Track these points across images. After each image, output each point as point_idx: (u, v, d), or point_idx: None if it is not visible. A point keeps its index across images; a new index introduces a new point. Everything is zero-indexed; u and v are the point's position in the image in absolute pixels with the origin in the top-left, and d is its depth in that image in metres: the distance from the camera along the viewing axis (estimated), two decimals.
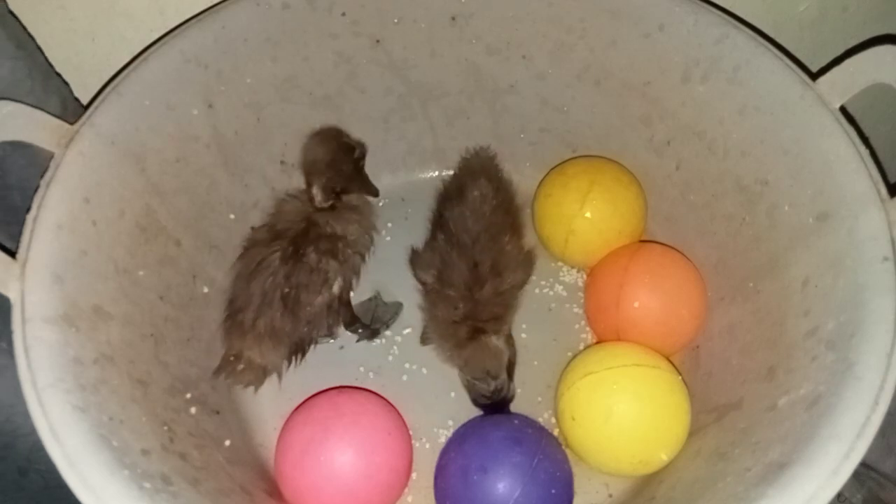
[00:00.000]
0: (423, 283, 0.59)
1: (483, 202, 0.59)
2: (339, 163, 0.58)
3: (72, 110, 0.56)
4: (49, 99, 0.54)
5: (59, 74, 0.57)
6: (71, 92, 0.58)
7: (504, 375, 0.55)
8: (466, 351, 0.55)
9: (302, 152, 0.58)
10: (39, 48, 0.56)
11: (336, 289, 0.58)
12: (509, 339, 0.58)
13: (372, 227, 0.60)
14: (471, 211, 0.58)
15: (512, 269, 0.57)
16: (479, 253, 0.56)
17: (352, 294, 0.61)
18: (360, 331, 0.63)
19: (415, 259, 0.61)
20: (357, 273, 0.60)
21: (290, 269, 0.55)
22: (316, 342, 0.61)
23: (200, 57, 0.55)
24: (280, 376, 0.58)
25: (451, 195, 0.61)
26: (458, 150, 0.67)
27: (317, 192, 0.57)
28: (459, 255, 0.57)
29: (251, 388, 0.59)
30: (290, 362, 0.58)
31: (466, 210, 0.58)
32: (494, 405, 0.56)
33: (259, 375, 0.57)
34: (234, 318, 0.56)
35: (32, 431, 0.53)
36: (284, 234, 0.56)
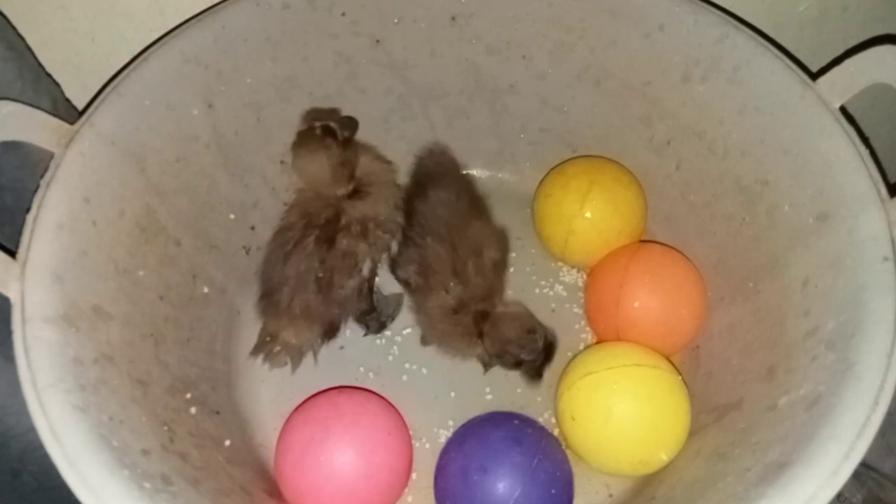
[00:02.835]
0: (407, 283, 0.60)
1: (447, 192, 0.60)
2: (336, 162, 0.57)
3: (63, 111, 0.56)
4: (40, 100, 0.54)
5: (49, 75, 0.57)
6: (62, 93, 0.58)
7: (537, 323, 0.57)
8: (489, 337, 0.56)
9: (296, 171, 0.57)
10: (30, 49, 0.56)
11: (366, 271, 0.58)
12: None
13: (398, 196, 0.60)
14: (437, 202, 0.59)
15: (488, 246, 0.58)
16: (454, 236, 0.57)
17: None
18: (370, 324, 0.63)
19: (393, 263, 0.61)
20: (388, 250, 0.60)
21: (324, 253, 0.55)
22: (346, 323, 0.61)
23: (200, 57, 0.55)
24: (315, 356, 0.59)
25: (411, 197, 0.61)
26: (459, 150, 0.67)
27: (334, 194, 0.57)
28: (436, 241, 0.57)
29: (251, 388, 0.60)
30: (322, 342, 0.59)
31: (433, 202, 0.59)
32: (545, 355, 0.57)
33: (295, 356, 0.58)
34: (270, 298, 0.57)
35: (25, 432, 0.54)
36: (317, 219, 0.56)
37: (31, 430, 0.53)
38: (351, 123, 0.58)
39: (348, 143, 0.57)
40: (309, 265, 0.55)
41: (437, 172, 0.62)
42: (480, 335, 0.56)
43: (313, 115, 0.59)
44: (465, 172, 0.64)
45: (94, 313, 0.46)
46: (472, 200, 0.61)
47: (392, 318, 0.64)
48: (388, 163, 0.61)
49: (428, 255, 0.57)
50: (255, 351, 0.58)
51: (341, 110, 0.63)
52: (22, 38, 0.55)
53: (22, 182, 0.54)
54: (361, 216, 0.57)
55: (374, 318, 0.62)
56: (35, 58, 0.56)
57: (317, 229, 0.56)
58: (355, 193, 0.57)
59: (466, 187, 0.62)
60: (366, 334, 0.63)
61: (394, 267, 0.61)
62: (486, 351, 0.57)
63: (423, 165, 0.64)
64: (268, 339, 0.57)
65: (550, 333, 0.57)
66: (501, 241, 0.60)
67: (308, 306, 0.56)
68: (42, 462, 0.55)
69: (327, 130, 0.56)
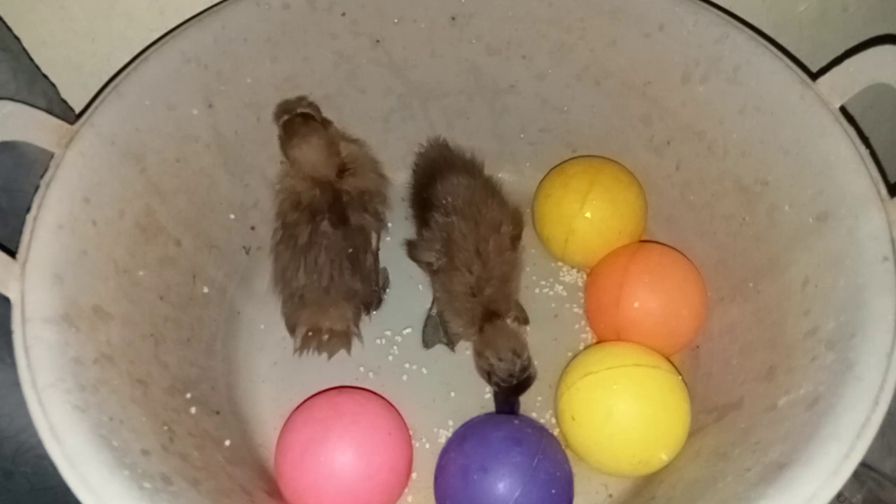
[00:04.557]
0: (429, 265, 0.60)
1: (465, 174, 0.61)
2: (328, 142, 0.57)
3: (59, 112, 0.56)
4: (35, 101, 0.53)
5: (45, 76, 0.57)
6: (58, 93, 0.58)
7: (528, 353, 0.56)
8: (485, 335, 0.56)
9: (293, 160, 0.57)
10: (25, 50, 0.55)
11: (374, 243, 0.59)
12: (518, 308, 0.60)
13: (379, 165, 0.61)
14: (458, 183, 0.60)
15: (507, 223, 0.59)
16: (476, 213, 0.58)
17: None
18: (372, 301, 0.63)
19: (413, 247, 0.62)
20: (385, 222, 0.61)
21: (345, 232, 0.56)
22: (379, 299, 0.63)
23: (200, 57, 0.55)
24: (359, 337, 0.60)
25: (425, 183, 0.62)
26: (459, 150, 0.67)
27: (329, 175, 0.57)
28: (461, 218, 0.57)
29: (251, 388, 0.60)
30: (358, 321, 0.60)
31: (453, 183, 0.60)
32: (519, 385, 0.56)
33: (345, 340, 0.59)
34: (301, 295, 0.57)
35: (17, 433, 0.54)
36: (319, 205, 0.56)
37: (24, 431, 0.53)
38: (315, 107, 0.60)
39: (326, 124, 0.59)
40: (337, 247, 0.56)
41: (448, 158, 0.63)
42: (480, 330, 0.57)
43: (284, 106, 0.59)
44: (468, 156, 0.65)
45: (94, 313, 0.46)
46: (486, 182, 0.62)
47: (385, 290, 0.64)
48: (356, 140, 0.61)
49: (453, 232, 0.57)
50: (302, 348, 0.59)
51: (342, 112, 0.63)
52: (17, 39, 0.55)
53: (16, 183, 0.54)
54: (357, 190, 0.57)
55: (375, 293, 0.63)
56: (30, 59, 0.56)
57: (325, 213, 0.56)
58: (342, 172, 0.58)
59: (479, 171, 0.63)
60: (369, 313, 0.63)
61: (413, 250, 0.61)
62: (474, 345, 0.58)
63: (428, 156, 0.65)
64: (309, 333, 0.58)
65: (533, 369, 0.56)
66: (516, 215, 0.61)
67: (347, 287, 0.57)
68: (35, 463, 0.55)
69: (307, 116, 0.58)
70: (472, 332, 0.58)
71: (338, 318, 0.58)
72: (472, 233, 0.57)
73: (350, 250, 0.57)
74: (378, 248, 0.61)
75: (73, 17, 0.57)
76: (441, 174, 0.61)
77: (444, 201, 0.59)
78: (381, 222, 0.60)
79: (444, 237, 0.58)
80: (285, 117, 0.58)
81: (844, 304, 0.44)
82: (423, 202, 0.61)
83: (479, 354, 0.57)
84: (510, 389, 0.55)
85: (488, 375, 0.56)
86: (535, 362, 0.60)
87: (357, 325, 0.60)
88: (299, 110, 0.58)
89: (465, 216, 0.58)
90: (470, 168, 0.63)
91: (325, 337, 0.58)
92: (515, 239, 0.59)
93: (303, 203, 0.57)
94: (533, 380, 0.56)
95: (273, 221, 0.59)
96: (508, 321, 0.57)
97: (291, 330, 0.60)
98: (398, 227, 0.67)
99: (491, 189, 0.61)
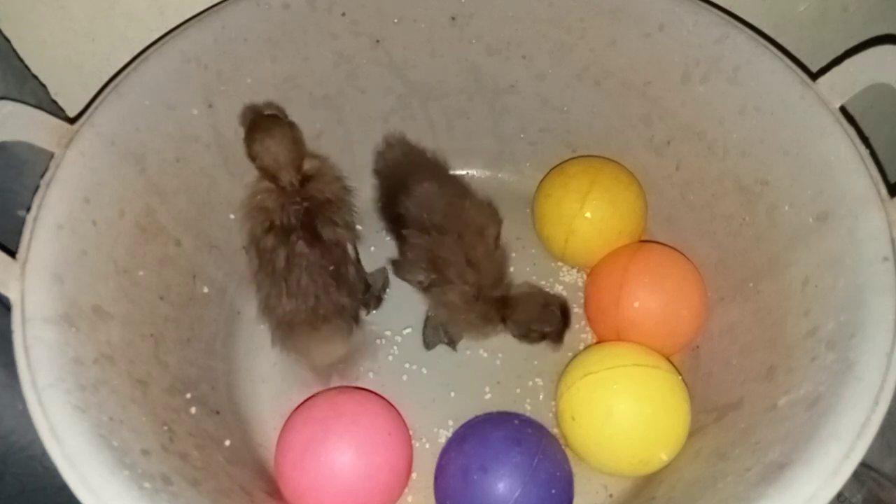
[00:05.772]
0: (420, 283, 0.59)
1: (429, 182, 0.59)
2: (294, 138, 0.56)
3: (49, 113, 0.56)
4: (25, 101, 0.53)
5: (35, 77, 0.57)
6: (48, 94, 0.58)
7: (549, 296, 0.58)
8: (514, 319, 0.57)
9: (258, 154, 0.55)
10: (14, 50, 0.55)
11: (352, 252, 0.58)
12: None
13: (343, 177, 0.59)
14: (424, 194, 0.58)
15: (486, 224, 0.58)
16: (455, 223, 0.57)
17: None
18: (369, 303, 0.63)
19: (399, 267, 0.61)
20: (358, 232, 0.59)
21: (322, 249, 0.55)
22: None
23: (200, 57, 0.55)
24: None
25: (394, 195, 0.60)
26: (459, 150, 0.67)
27: (292, 178, 0.56)
28: (440, 233, 0.57)
29: (251, 388, 0.60)
30: (351, 335, 0.59)
31: (420, 195, 0.58)
32: (564, 320, 0.58)
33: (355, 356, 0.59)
34: (288, 321, 0.55)
35: (7, 434, 0.54)
36: (289, 221, 0.55)
37: (14, 432, 0.53)
38: (282, 111, 0.59)
39: (292, 126, 0.57)
40: (317, 266, 0.55)
41: (406, 164, 0.62)
42: (503, 320, 0.57)
43: (251, 110, 0.59)
44: (429, 155, 0.64)
45: (94, 313, 0.46)
46: (453, 182, 0.61)
47: (385, 289, 0.64)
48: (319, 156, 0.60)
49: (437, 248, 0.56)
50: (324, 380, 0.58)
51: (342, 112, 0.63)
52: (7, 40, 0.55)
53: (7, 183, 0.54)
54: (322, 195, 0.56)
55: (371, 295, 0.63)
56: (20, 59, 0.56)
57: (298, 231, 0.55)
58: (306, 180, 0.56)
59: (441, 170, 0.62)
60: (368, 313, 0.63)
61: (399, 270, 0.61)
62: (511, 333, 0.58)
63: (386, 160, 0.63)
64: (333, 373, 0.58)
65: (562, 301, 0.58)
66: (493, 213, 0.60)
67: (335, 304, 0.55)
68: (25, 464, 0.55)
69: (273, 115, 0.57)
70: (492, 327, 0.58)
71: (339, 339, 0.57)
72: (457, 244, 0.56)
73: (331, 267, 0.55)
74: (358, 258, 0.60)
75: (73, 17, 0.57)
76: (404, 186, 0.59)
77: (418, 217, 0.57)
78: (353, 233, 0.58)
79: (427, 255, 0.57)
80: (251, 117, 0.57)
81: (844, 304, 0.44)
82: (396, 218, 0.60)
83: (524, 336, 0.58)
84: (562, 327, 0.58)
85: (542, 336, 0.58)
86: (535, 362, 0.61)
87: (348, 342, 0.59)
88: (266, 112, 0.57)
89: (445, 230, 0.56)
90: (433, 170, 0.61)
91: (341, 366, 0.58)
92: (497, 237, 0.59)
93: (274, 223, 0.55)
94: (570, 308, 0.59)
95: (247, 249, 0.57)
96: (514, 292, 0.58)
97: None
98: None
99: (461, 190, 0.60)
